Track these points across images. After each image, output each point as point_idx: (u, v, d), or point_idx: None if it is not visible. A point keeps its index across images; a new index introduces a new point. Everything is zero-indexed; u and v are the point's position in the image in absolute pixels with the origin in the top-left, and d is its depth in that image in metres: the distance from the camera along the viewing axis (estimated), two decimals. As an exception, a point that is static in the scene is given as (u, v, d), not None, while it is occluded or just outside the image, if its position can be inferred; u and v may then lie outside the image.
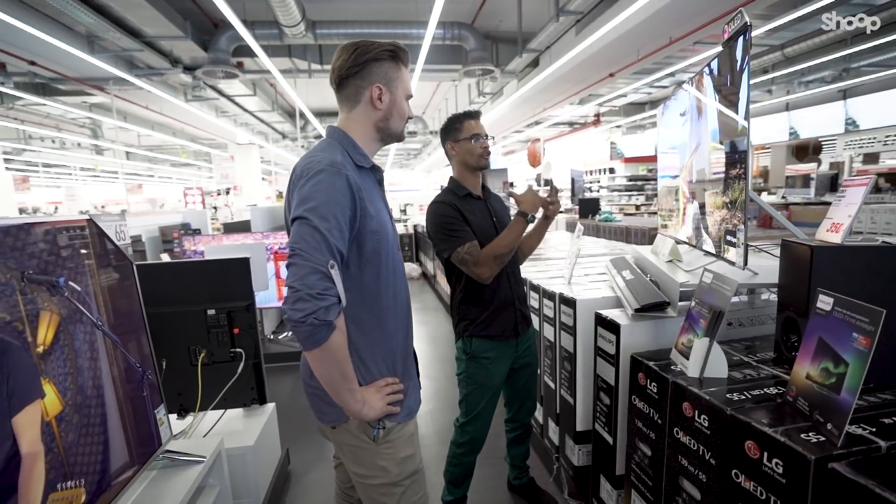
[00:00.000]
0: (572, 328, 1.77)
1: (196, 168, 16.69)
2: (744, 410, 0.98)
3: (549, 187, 1.54)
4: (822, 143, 8.90)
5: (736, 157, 1.32)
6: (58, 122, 9.09)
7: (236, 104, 8.09)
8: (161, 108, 7.26)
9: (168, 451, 1.44)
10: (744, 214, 1.25)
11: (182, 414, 1.90)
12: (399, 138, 1.13)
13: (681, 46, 4.84)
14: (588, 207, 6.64)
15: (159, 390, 1.44)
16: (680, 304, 1.46)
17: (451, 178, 1.69)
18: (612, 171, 12.61)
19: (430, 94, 9.14)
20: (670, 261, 1.74)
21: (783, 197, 7.37)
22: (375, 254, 1.03)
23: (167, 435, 1.44)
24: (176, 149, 11.65)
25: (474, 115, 1.64)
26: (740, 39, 1.23)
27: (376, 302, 1.05)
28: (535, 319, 2.21)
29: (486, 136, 1.62)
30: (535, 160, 11.54)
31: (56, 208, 17.35)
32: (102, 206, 16.42)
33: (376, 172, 1.11)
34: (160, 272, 1.90)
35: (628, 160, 12.35)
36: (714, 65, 1.44)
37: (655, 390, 1.25)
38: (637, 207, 11.04)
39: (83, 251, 1.17)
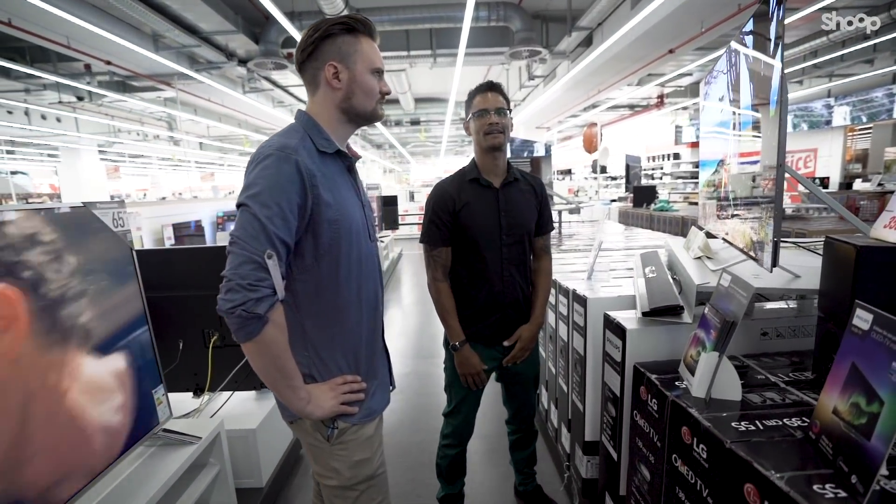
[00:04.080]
0: (583, 329, 1.61)
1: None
2: (749, 445, 0.81)
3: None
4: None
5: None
6: (140, 116, 9.98)
7: (291, 94, 8.40)
8: (222, 100, 7.70)
9: (166, 430, 1.49)
10: (776, 207, 1.04)
11: (198, 393, 1.99)
12: (372, 118, 1.02)
13: (751, 14, 4.28)
14: (643, 196, 6.20)
15: (158, 371, 1.49)
16: (700, 308, 1.26)
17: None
18: (676, 156, 11.68)
19: (479, 78, 8.89)
20: (699, 257, 1.52)
21: (879, 184, 6.39)
22: (334, 245, 0.96)
23: (165, 414, 1.50)
24: (241, 138, 12.39)
25: (484, 87, 1.43)
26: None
27: (335, 295, 0.99)
28: (550, 316, 2.06)
29: (496, 110, 1.39)
30: (591, 146, 11.00)
31: (144, 194, 19.30)
32: (180, 193, 17.98)
33: (344, 159, 1.03)
34: (176, 257, 1.97)
35: (695, 145, 11.36)
36: (748, 39, 1.20)
37: (656, 408, 1.08)
38: (704, 196, 10.16)
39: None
